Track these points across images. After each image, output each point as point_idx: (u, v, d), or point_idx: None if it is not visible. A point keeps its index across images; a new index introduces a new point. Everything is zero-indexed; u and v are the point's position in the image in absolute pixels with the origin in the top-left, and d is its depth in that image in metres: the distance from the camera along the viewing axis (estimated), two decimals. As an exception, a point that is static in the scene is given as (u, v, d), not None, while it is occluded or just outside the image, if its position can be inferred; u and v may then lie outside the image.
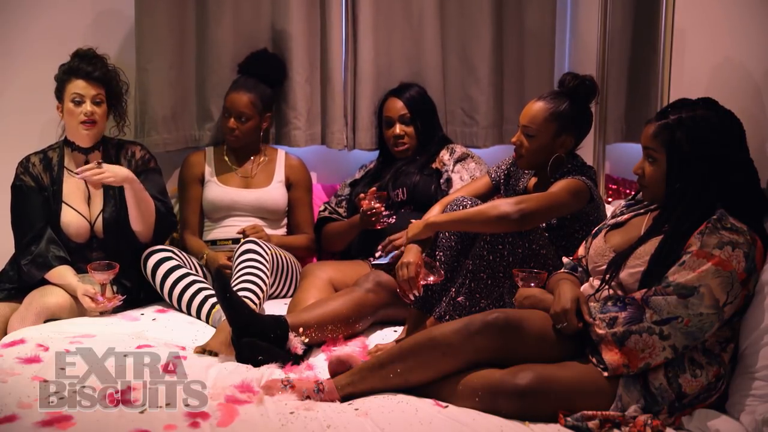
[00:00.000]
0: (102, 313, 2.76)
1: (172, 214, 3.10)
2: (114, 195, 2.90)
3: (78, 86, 2.85)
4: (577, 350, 2.12)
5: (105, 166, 2.77)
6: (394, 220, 3.08)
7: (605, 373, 2.04)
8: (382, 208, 3.03)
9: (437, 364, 2.10)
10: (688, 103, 2.17)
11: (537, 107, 2.61)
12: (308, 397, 2.09)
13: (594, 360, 2.07)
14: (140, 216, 2.89)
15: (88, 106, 2.86)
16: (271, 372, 2.31)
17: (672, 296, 2.00)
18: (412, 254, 2.54)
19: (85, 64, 2.87)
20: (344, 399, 2.12)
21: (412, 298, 2.53)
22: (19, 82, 3.29)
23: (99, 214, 2.91)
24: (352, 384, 2.13)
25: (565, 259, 2.42)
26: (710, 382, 2.05)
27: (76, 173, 2.80)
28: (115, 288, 2.86)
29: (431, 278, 2.52)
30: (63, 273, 2.80)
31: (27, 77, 3.26)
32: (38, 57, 3.23)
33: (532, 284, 2.29)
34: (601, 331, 2.05)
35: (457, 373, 2.09)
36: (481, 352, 2.08)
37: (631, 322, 2.03)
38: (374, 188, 3.09)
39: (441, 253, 2.62)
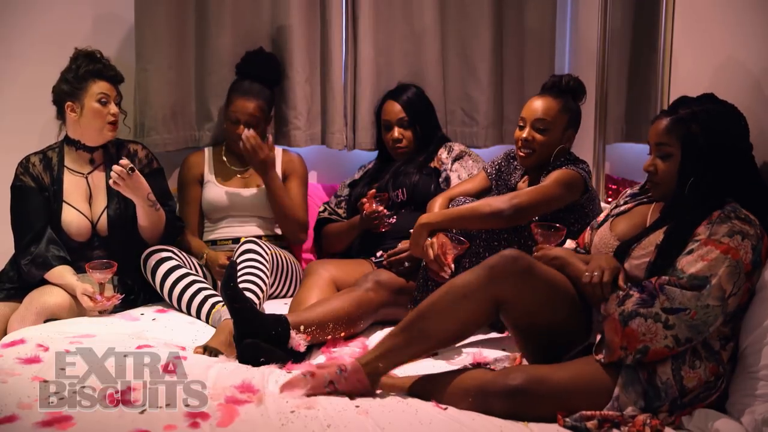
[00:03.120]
0: (101, 313, 2.76)
1: (178, 219, 3.11)
2: (117, 192, 2.90)
3: (104, 87, 2.87)
4: (584, 319, 2.12)
5: (135, 175, 2.78)
6: (394, 220, 3.08)
7: (602, 359, 2.04)
8: (385, 211, 3.03)
9: (458, 306, 2.09)
10: (692, 99, 2.18)
11: (547, 101, 2.67)
12: (331, 382, 2.07)
13: (595, 351, 2.07)
14: (150, 227, 2.91)
15: (114, 107, 2.89)
16: (271, 371, 2.31)
17: (687, 289, 2.00)
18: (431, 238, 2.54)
19: (105, 67, 2.89)
20: (371, 377, 2.09)
21: (447, 277, 2.52)
22: (19, 82, 3.29)
23: (102, 212, 2.91)
24: (376, 357, 2.11)
25: (572, 243, 2.41)
26: (709, 380, 2.04)
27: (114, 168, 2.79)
28: (115, 287, 2.86)
29: (456, 250, 2.52)
30: (62, 273, 2.79)
31: (27, 78, 3.26)
32: (38, 58, 3.23)
33: (552, 240, 2.29)
34: (611, 308, 2.04)
35: (454, 373, 2.09)
36: (497, 285, 2.09)
37: (641, 304, 2.02)
38: (374, 190, 3.09)
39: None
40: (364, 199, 3.07)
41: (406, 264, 2.84)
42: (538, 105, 2.67)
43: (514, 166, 2.84)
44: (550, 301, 2.12)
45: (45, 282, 2.81)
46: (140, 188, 2.81)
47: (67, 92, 2.88)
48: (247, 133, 3.10)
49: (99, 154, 2.96)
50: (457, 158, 3.17)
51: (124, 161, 2.78)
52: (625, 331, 2.01)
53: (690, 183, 2.11)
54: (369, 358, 2.12)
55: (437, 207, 2.72)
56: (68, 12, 3.31)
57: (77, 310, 2.78)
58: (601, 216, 2.38)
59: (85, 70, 2.87)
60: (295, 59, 3.39)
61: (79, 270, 2.83)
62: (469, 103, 3.55)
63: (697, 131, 2.10)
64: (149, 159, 3.02)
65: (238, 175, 3.30)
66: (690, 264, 2.01)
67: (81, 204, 2.91)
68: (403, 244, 2.88)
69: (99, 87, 2.87)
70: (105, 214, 2.91)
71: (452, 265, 2.52)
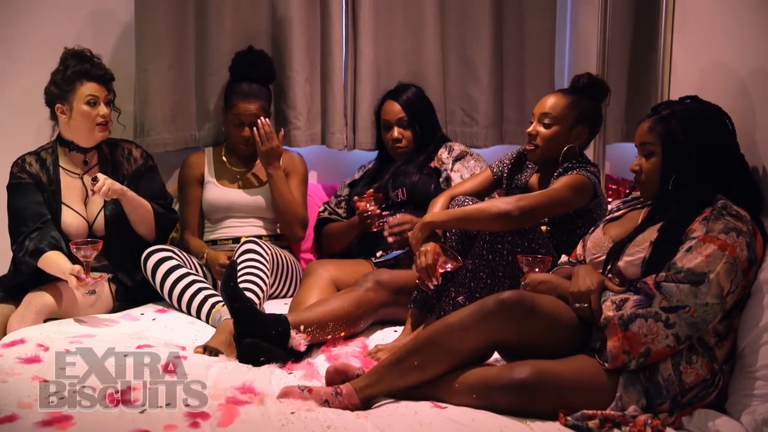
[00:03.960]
0: (89, 294, 2.67)
1: (172, 211, 3.10)
2: None
3: (92, 88, 2.85)
4: (585, 337, 2.12)
5: (100, 178, 2.76)
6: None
7: (606, 365, 2.03)
8: (377, 210, 3.02)
9: (454, 349, 2.08)
10: (677, 101, 2.23)
11: (557, 97, 2.68)
12: (327, 401, 2.06)
13: (599, 357, 2.06)
14: (140, 221, 2.91)
15: (104, 108, 2.87)
16: (272, 371, 2.31)
17: (684, 284, 2.00)
18: (429, 243, 2.54)
19: (94, 67, 2.87)
20: (364, 401, 2.08)
21: (432, 287, 2.52)
22: (20, 84, 3.27)
23: (99, 212, 2.90)
24: (370, 385, 2.10)
25: (564, 258, 2.42)
26: (706, 378, 2.05)
27: (92, 191, 2.79)
28: (114, 288, 2.86)
29: (449, 266, 2.50)
30: (54, 258, 2.74)
31: (25, 79, 3.25)
32: (37, 59, 3.22)
33: (537, 269, 2.28)
34: (609, 313, 2.04)
35: (456, 371, 2.09)
36: (497, 332, 2.07)
37: (639, 305, 2.02)
38: (371, 190, 3.09)
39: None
40: (356, 198, 3.07)
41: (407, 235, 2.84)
42: (546, 100, 2.69)
43: (526, 164, 2.85)
44: (553, 332, 2.10)
45: (42, 280, 2.77)
46: (114, 191, 2.78)
47: (56, 95, 2.86)
48: (263, 120, 3.13)
49: (93, 154, 2.95)
50: (459, 158, 3.17)
51: (87, 180, 2.76)
52: (627, 334, 2.01)
53: (673, 179, 2.13)
54: (363, 384, 2.10)
55: (439, 207, 2.71)
56: (69, 13, 3.30)
57: (75, 309, 2.76)
58: (593, 227, 2.40)
59: (72, 71, 2.85)
60: (295, 59, 3.38)
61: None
62: (469, 103, 3.55)
63: (677, 128, 2.14)
64: (144, 157, 3.02)
65: (239, 176, 3.29)
66: (688, 260, 2.02)
67: (77, 205, 2.90)
68: (403, 217, 2.85)
69: (87, 88, 2.85)
70: (102, 215, 2.90)
71: (440, 279, 2.51)
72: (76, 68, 2.85)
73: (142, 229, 2.94)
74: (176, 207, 3.33)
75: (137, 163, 2.98)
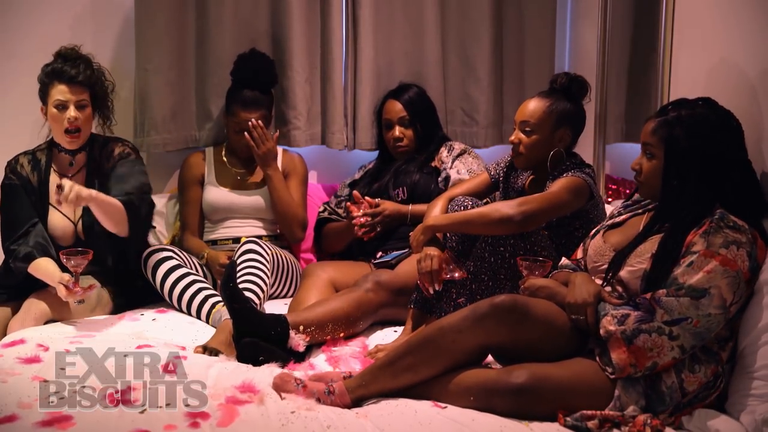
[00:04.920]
0: (79, 303, 2.66)
1: (142, 206, 2.85)
2: None
3: (61, 91, 2.75)
4: (581, 342, 2.12)
5: (66, 186, 2.58)
6: (379, 230, 3.07)
7: (612, 375, 2.03)
8: (366, 219, 3.02)
9: (448, 352, 2.08)
10: (688, 102, 2.18)
11: (534, 103, 2.65)
12: (318, 399, 2.07)
13: (601, 362, 2.06)
14: (110, 222, 2.76)
15: (72, 112, 2.75)
16: (272, 372, 2.31)
17: (684, 298, 2.00)
18: (434, 248, 2.54)
19: (68, 67, 2.76)
20: (355, 401, 2.09)
21: (432, 292, 2.52)
22: (21, 84, 3.26)
23: (81, 216, 2.86)
24: (363, 385, 2.10)
25: (564, 260, 2.42)
26: (708, 380, 2.05)
27: (57, 201, 2.67)
28: (112, 291, 2.85)
29: (456, 274, 2.50)
30: (44, 264, 2.69)
31: (27, 80, 3.23)
32: (38, 60, 3.21)
33: (537, 273, 2.28)
34: (611, 328, 2.04)
35: (454, 371, 2.09)
36: (490, 335, 2.07)
37: (642, 321, 2.02)
38: (368, 197, 3.09)
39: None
40: (349, 204, 3.08)
41: (378, 229, 3.00)
42: (525, 107, 2.66)
43: (520, 169, 2.84)
44: (548, 337, 2.09)
45: (39, 283, 2.73)
46: (81, 198, 2.61)
47: (40, 96, 2.82)
48: (254, 122, 3.12)
49: (82, 156, 2.89)
50: (458, 156, 3.17)
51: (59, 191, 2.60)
52: (631, 348, 2.01)
53: (674, 185, 2.11)
54: (356, 384, 2.10)
55: (439, 210, 2.71)
56: (69, 13, 3.30)
57: (74, 314, 2.74)
58: (593, 231, 2.39)
59: (45, 72, 2.78)
60: (295, 59, 3.38)
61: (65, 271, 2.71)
62: (469, 103, 3.55)
63: (680, 135, 2.11)
64: (123, 154, 2.88)
65: (239, 177, 3.29)
66: (689, 276, 2.01)
67: (64, 207, 2.79)
68: (383, 205, 3.03)
69: (57, 91, 2.75)
70: (81, 220, 2.84)
71: (441, 285, 2.51)
72: (48, 69, 2.78)
73: (113, 227, 2.77)
74: (176, 207, 3.34)
75: (113, 161, 2.88)
